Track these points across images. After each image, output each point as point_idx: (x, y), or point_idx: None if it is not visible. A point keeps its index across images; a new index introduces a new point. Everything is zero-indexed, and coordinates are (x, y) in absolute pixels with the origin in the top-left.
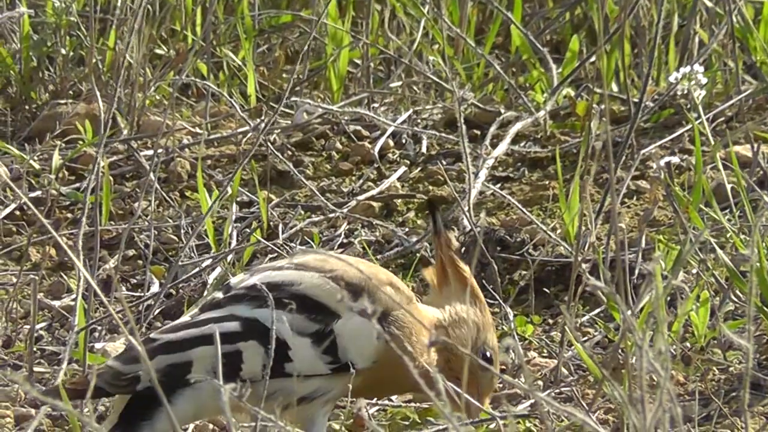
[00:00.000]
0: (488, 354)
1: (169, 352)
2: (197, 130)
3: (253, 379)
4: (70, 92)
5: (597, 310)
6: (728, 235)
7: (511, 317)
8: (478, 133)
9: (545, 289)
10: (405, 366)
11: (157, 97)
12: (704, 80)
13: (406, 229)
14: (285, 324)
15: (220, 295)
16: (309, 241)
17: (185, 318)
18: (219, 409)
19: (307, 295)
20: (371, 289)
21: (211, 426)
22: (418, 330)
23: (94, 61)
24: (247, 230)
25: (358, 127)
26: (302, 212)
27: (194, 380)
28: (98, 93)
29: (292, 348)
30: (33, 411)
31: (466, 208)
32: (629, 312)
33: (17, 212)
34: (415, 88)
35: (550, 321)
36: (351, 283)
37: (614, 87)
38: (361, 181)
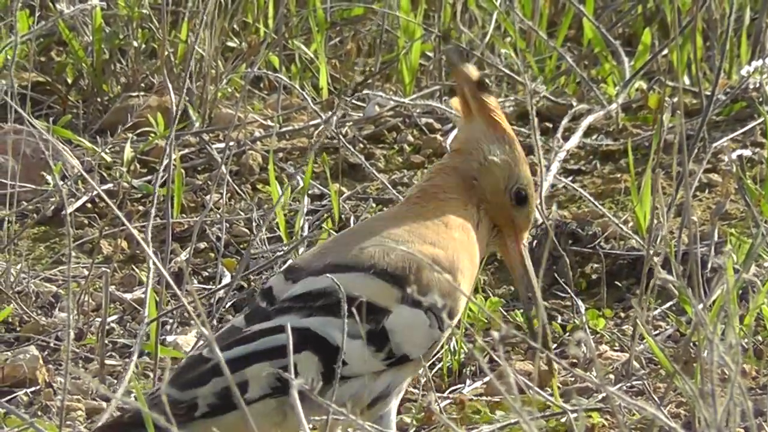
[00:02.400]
0: (522, 191)
1: (222, 374)
2: (269, 122)
3: (311, 388)
4: (142, 85)
5: (669, 304)
6: None
7: (582, 311)
8: (550, 125)
9: (617, 283)
10: None
11: (229, 90)
12: None
13: None
14: (336, 330)
15: (263, 303)
16: None
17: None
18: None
19: (354, 297)
20: (416, 273)
21: None
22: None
23: (166, 53)
24: (319, 223)
25: (430, 120)
26: (374, 205)
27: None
28: (170, 85)
29: (346, 352)
30: (104, 404)
31: (537, 201)
32: (701, 305)
33: (89, 205)
34: (486, 80)
35: (622, 314)
36: (395, 275)
37: (686, 80)
38: None
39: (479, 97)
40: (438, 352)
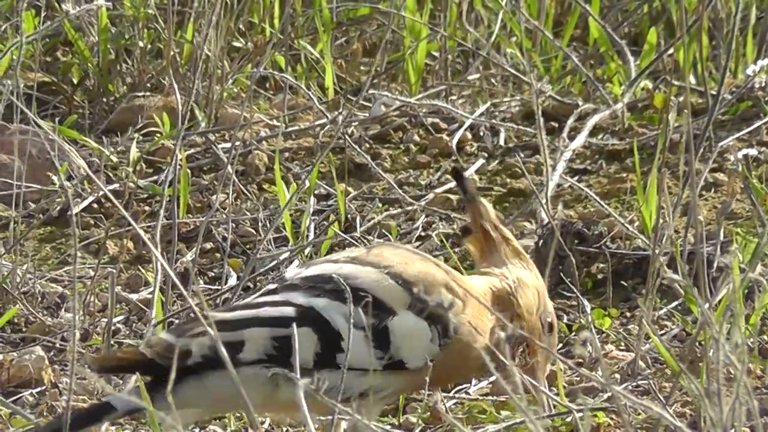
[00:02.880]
0: (550, 319)
1: (221, 330)
2: (275, 122)
3: (304, 366)
4: (148, 85)
5: (674, 303)
6: None
7: (588, 310)
8: (556, 125)
9: (623, 282)
10: (460, 363)
11: (235, 90)
12: None
13: None
14: (340, 315)
15: (272, 285)
16: (387, 233)
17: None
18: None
19: (364, 289)
20: (427, 288)
21: (288, 420)
22: (481, 316)
23: (171, 53)
24: (325, 223)
25: (436, 120)
26: (380, 205)
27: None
28: (176, 86)
29: (345, 339)
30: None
31: (543, 201)
32: (707, 305)
33: (95, 205)
34: (492, 80)
35: (628, 314)
36: (407, 281)
37: (692, 79)
38: (438, 173)
39: (501, 229)
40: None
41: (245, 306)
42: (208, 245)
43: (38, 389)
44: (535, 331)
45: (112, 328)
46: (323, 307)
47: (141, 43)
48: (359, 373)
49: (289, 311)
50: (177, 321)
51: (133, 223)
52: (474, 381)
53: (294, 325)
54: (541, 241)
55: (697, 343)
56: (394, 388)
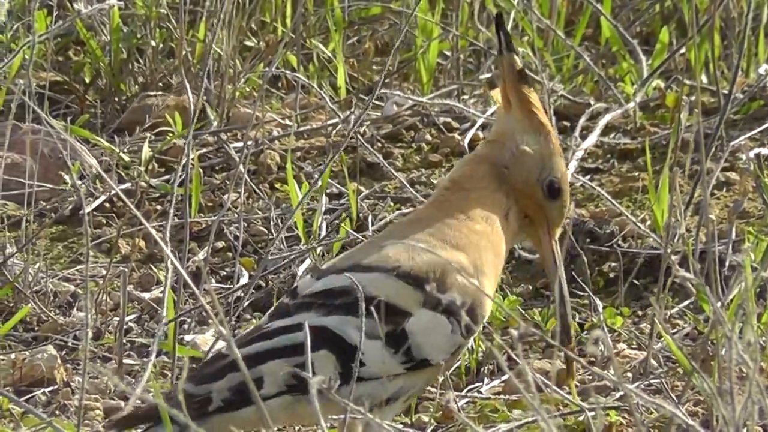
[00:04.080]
0: (555, 184)
1: (239, 369)
2: (287, 122)
3: (325, 390)
4: (160, 84)
5: (686, 302)
6: None
7: (600, 309)
8: (568, 124)
9: (634, 281)
10: None
11: (247, 89)
12: None
13: None
14: (354, 329)
15: (287, 300)
16: None
17: (256, 325)
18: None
19: (375, 297)
20: (440, 280)
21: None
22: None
23: (183, 53)
24: (337, 222)
25: (448, 119)
26: (392, 204)
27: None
28: (188, 85)
29: (365, 352)
30: (122, 403)
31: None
32: (719, 304)
33: (107, 204)
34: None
35: (640, 313)
36: (418, 278)
37: (704, 78)
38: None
39: (519, 88)
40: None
41: (260, 336)
42: (220, 244)
43: (50, 388)
44: (536, 201)
45: (124, 326)
46: (336, 324)
47: (153, 43)
48: (383, 380)
49: (303, 336)
50: (187, 321)
51: (144, 222)
52: (486, 380)
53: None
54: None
55: (709, 342)
56: (421, 386)
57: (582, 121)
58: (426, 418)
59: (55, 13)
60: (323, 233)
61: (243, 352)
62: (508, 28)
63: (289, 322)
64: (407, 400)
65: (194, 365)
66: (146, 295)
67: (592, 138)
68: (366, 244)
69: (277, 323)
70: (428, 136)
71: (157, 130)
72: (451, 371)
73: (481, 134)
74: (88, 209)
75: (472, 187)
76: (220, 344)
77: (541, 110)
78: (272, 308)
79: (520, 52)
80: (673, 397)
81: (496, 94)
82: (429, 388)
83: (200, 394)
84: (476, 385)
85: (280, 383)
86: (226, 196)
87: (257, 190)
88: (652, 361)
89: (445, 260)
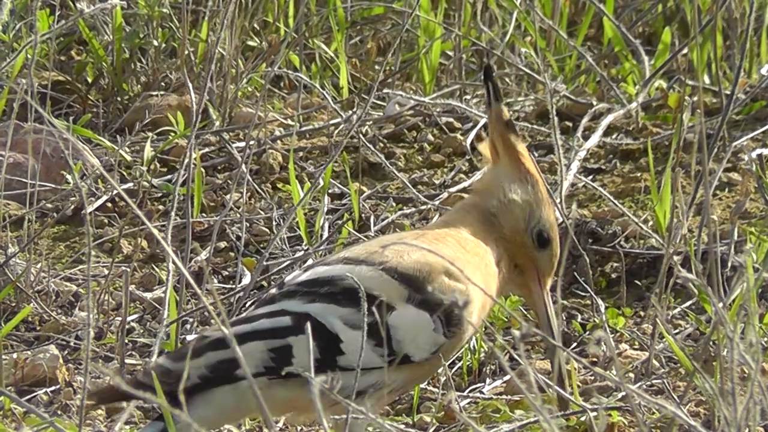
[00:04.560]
0: (544, 234)
1: (218, 349)
2: (289, 121)
3: (306, 372)
4: (162, 84)
5: (688, 303)
6: None
7: (602, 309)
8: (570, 125)
9: (636, 282)
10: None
11: (249, 89)
12: None
13: None
14: (336, 318)
15: (272, 290)
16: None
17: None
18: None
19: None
20: (427, 280)
21: (301, 419)
22: (487, 277)
23: (186, 52)
24: (339, 222)
25: (450, 119)
26: (394, 204)
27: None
28: (190, 85)
29: (345, 341)
30: (124, 403)
31: (558, 200)
32: (721, 304)
33: (109, 204)
34: (507, 79)
35: (642, 313)
36: (405, 274)
37: (706, 79)
38: (452, 173)
39: (506, 137)
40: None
41: (244, 320)
42: (222, 244)
43: (52, 388)
44: (525, 250)
45: (126, 326)
46: (318, 311)
47: (155, 42)
48: (362, 372)
49: (286, 320)
50: (190, 321)
51: (146, 222)
52: (488, 380)
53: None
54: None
55: (711, 343)
56: (400, 384)
57: (584, 121)
58: (428, 419)
59: (57, 13)
60: (325, 233)
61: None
62: (511, 28)
63: (273, 308)
64: (386, 396)
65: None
66: (148, 295)
67: (595, 138)
68: (356, 245)
69: (261, 309)
70: (430, 136)
71: (159, 130)
72: (452, 372)
73: (483, 134)
74: (90, 209)
75: (467, 228)
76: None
77: (529, 159)
78: (260, 299)
79: (504, 104)
80: (675, 397)
81: (484, 147)
82: (431, 388)
83: (177, 370)
84: (478, 385)
85: (258, 365)
86: (228, 196)
87: (259, 190)
88: (654, 362)
89: (435, 262)
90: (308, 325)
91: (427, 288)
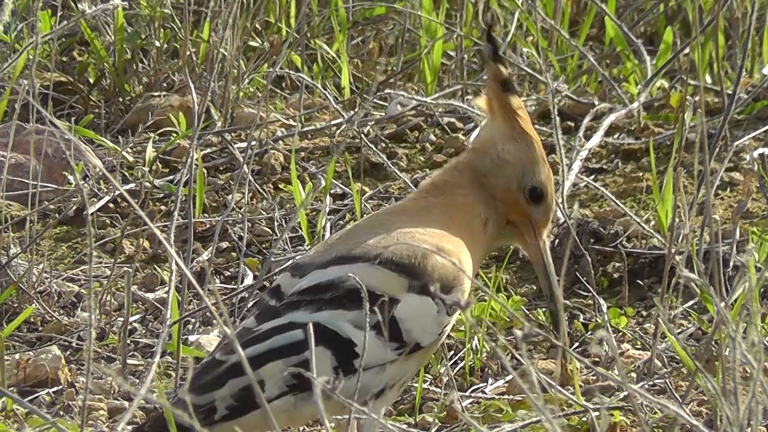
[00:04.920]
0: (537, 189)
1: (238, 375)
2: (291, 122)
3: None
4: (164, 84)
5: (691, 302)
6: None
7: (604, 309)
8: (572, 124)
9: (639, 281)
10: None
11: (251, 90)
12: None
13: None
14: (346, 322)
15: (273, 302)
16: None
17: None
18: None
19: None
20: (423, 265)
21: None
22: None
23: (188, 53)
24: (341, 222)
25: (452, 119)
26: None
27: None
28: (192, 85)
29: (359, 344)
30: (126, 403)
31: (559, 200)
32: (723, 304)
33: (111, 205)
34: (512, 81)
35: (644, 313)
36: (401, 264)
37: (708, 79)
38: None
39: (502, 96)
40: (460, 351)
41: (254, 339)
42: (224, 244)
43: (55, 389)
44: (518, 206)
45: (129, 327)
46: (327, 319)
47: (157, 43)
48: (378, 370)
49: (298, 335)
50: (192, 322)
51: (148, 222)
52: (490, 380)
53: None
54: (557, 240)
55: (713, 342)
56: (412, 372)
57: (586, 121)
58: (430, 419)
59: (59, 14)
60: (327, 233)
61: (238, 356)
62: (512, 28)
63: (281, 322)
64: (400, 389)
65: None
66: (150, 296)
67: (596, 138)
68: (340, 236)
69: (269, 324)
70: (432, 137)
71: (161, 131)
72: (454, 372)
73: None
74: (92, 210)
75: (452, 193)
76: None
77: (526, 118)
78: (255, 309)
79: (506, 62)
80: (677, 397)
81: (482, 102)
82: (433, 388)
83: (203, 405)
84: (480, 385)
85: (281, 384)
86: (230, 197)
87: (261, 191)
88: (656, 361)
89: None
90: (310, 325)
91: (423, 273)
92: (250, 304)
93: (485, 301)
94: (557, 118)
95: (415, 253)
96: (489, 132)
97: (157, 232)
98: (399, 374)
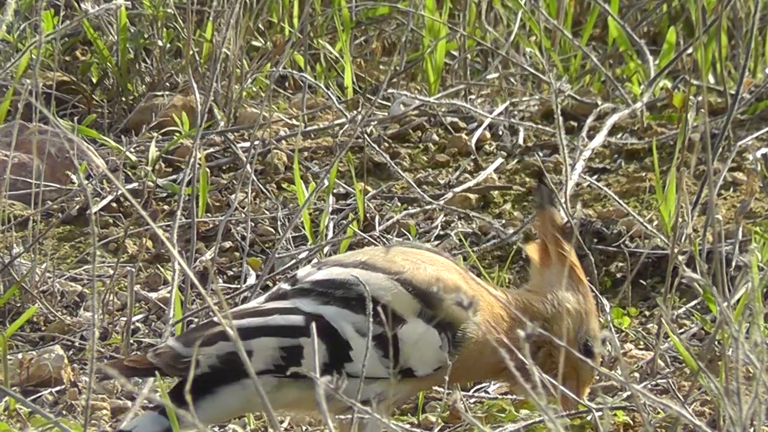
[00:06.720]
0: (590, 345)
1: (230, 339)
2: (294, 122)
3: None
4: (167, 84)
5: (693, 302)
6: None
7: (607, 309)
8: (575, 124)
9: (642, 281)
10: (471, 366)
11: (254, 89)
12: None
13: (503, 221)
14: (349, 324)
15: (286, 286)
16: (405, 233)
17: (252, 304)
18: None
19: (374, 297)
20: (438, 295)
21: (307, 419)
22: (497, 321)
23: (191, 53)
24: (344, 222)
25: (455, 119)
26: (399, 204)
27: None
28: (195, 85)
29: (354, 349)
30: (129, 403)
31: (562, 200)
32: (726, 304)
33: (114, 204)
34: (512, 79)
35: (647, 313)
36: (418, 288)
37: (711, 79)
38: (457, 172)
39: (561, 244)
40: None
41: (255, 312)
42: (227, 244)
43: (57, 388)
44: (571, 358)
45: (131, 326)
46: (332, 315)
47: (160, 43)
48: (367, 381)
49: (298, 320)
50: (195, 321)
51: (151, 222)
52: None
53: (313, 325)
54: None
55: (716, 342)
56: (402, 395)
57: (589, 121)
58: (433, 418)
59: (62, 13)
60: (330, 233)
61: (235, 323)
62: (515, 28)
63: (286, 305)
64: (389, 407)
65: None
66: (153, 295)
67: (600, 138)
68: (376, 248)
69: (274, 304)
70: (435, 136)
71: (164, 130)
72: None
73: (488, 134)
74: (95, 209)
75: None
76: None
77: (580, 268)
78: (270, 291)
79: (557, 208)
80: (680, 397)
81: (532, 249)
82: (436, 388)
83: (188, 356)
84: (483, 385)
85: (267, 362)
86: (233, 196)
87: (264, 190)
88: (659, 361)
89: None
90: (313, 325)
91: (439, 306)
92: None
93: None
94: (560, 118)
95: (437, 284)
96: (546, 277)
97: (160, 232)
98: (386, 393)
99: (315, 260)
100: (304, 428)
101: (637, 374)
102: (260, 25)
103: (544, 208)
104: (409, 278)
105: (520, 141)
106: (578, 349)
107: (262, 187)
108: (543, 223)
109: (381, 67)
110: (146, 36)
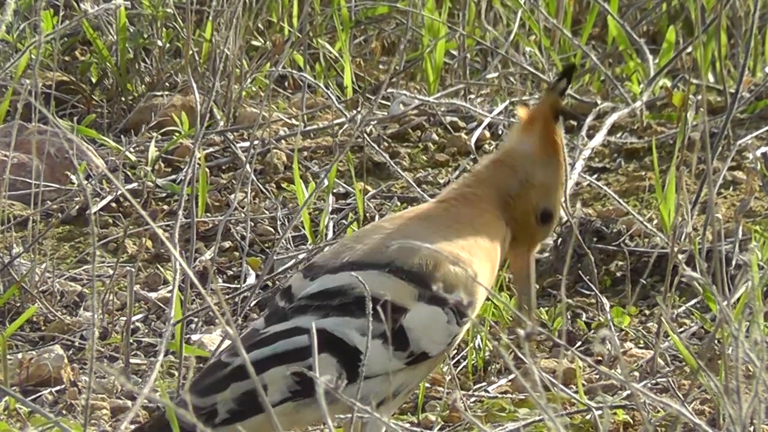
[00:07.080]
0: (548, 211)
1: (241, 378)
2: (293, 121)
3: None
4: (167, 84)
5: (693, 301)
6: None
7: (607, 308)
8: (575, 124)
9: (641, 280)
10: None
11: (254, 89)
12: None
13: None
14: (353, 329)
15: (283, 303)
16: None
17: (251, 329)
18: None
19: (373, 296)
20: (434, 274)
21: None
22: (490, 260)
23: (190, 52)
24: (344, 222)
25: (455, 119)
26: (398, 203)
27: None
28: (194, 85)
29: (364, 351)
30: (129, 403)
31: (562, 199)
32: (725, 303)
33: (113, 204)
34: (511, 79)
35: (647, 312)
36: (411, 272)
37: (710, 78)
38: (457, 172)
39: (549, 120)
40: (462, 350)
41: (260, 342)
42: (227, 244)
43: (57, 388)
44: (528, 227)
45: (131, 326)
46: (334, 326)
47: (160, 43)
48: (382, 378)
49: (302, 341)
50: (195, 321)
51: (151, 222)
52: (493, 378)
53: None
54: (560, 239)
55: (715, 341)
56: (419, 379)
57: (589, 120)
58: (433, 417)
59: (61, 13)
60: (330, 233)
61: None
62: (515, 27)
63: (288, 326)
64: (406, 395)
65: (201, 365)
66: (153, 295)
67: (599, 137)
68: (356, 238)
69: (275, 328)
70: (435, 136)
71: (163, 130)
72: (457, 371)
73: (487, 134)
74: (94, 209)
75: (480, 209)
76: (226, 344)
77: (561, 144)
78: (266, 310)
79: (567, 100)
80: (680, 395)
81: (522, 112)
82: (436, 387)
83: (205, 407)
84: (483, 384)
85: (283, 390)
86: (232, 196)
87: (264, 190)
88: (659, 360)
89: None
90: (312, 325)
91: (434, 284)
92: (253, 303)
93: (488, 300)
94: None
95: (426, 261)
96: (518, 147)
97: (160, 231)
98: (406, 382)
99: (301, 266)
100: (305, 429)
101: (636, 373)
102: (260, 25)
103: (554, 92)
104: (400, 266)
105: None
106: (536, 218)
107: (261, 186)
108: (544, 101)
109: (380, 66)
110: (146, 36)
